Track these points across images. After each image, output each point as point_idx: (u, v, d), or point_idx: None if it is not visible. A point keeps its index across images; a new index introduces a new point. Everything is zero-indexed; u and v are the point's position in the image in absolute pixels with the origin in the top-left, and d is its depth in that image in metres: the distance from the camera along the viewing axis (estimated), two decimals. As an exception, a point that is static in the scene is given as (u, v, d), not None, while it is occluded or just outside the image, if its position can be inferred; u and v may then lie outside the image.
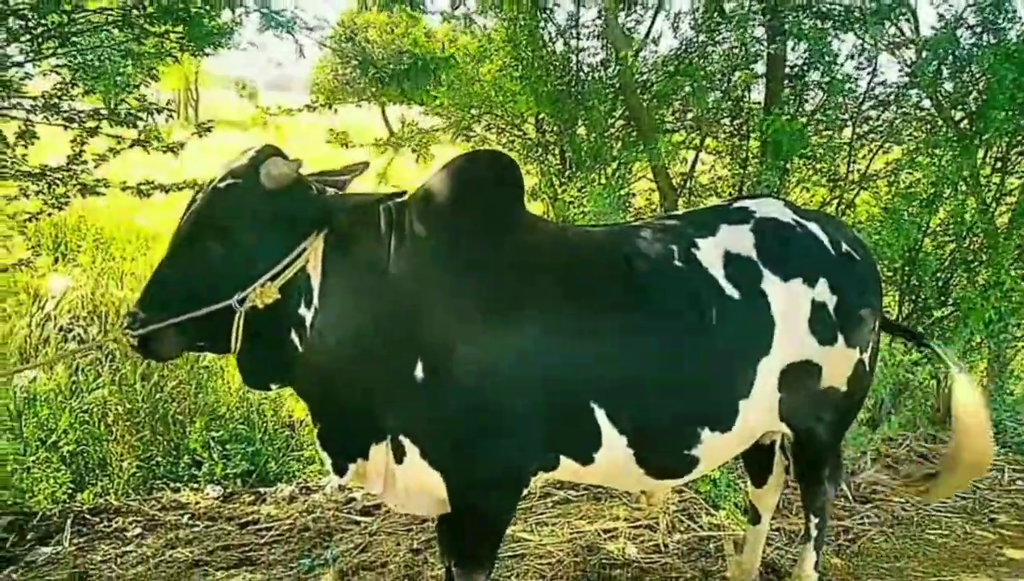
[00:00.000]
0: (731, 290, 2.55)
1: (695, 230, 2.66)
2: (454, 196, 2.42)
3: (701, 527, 3.75)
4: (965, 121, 4.88)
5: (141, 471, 5.25)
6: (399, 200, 2.43)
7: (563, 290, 2.44)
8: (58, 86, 4.27)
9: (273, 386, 2.47)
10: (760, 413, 2.63)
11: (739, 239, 2.64)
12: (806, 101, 4.96)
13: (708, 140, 5.31)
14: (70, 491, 4.91)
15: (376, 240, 2.35)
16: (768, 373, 2.58)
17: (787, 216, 2.74)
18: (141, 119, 4.51)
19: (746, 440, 2.73)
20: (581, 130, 5.09)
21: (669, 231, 2.66)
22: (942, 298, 4.87)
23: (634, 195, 5.02)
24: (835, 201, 4.97)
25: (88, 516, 4.52)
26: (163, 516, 4.63)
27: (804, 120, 4.72)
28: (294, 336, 2.31)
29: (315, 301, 2.30)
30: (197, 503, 4.75)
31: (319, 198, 2.31)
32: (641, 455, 2.49)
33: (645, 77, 5.19)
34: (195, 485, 5.10)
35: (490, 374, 2.34)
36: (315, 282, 2.29)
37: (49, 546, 4.17)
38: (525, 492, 4.23)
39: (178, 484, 5.11)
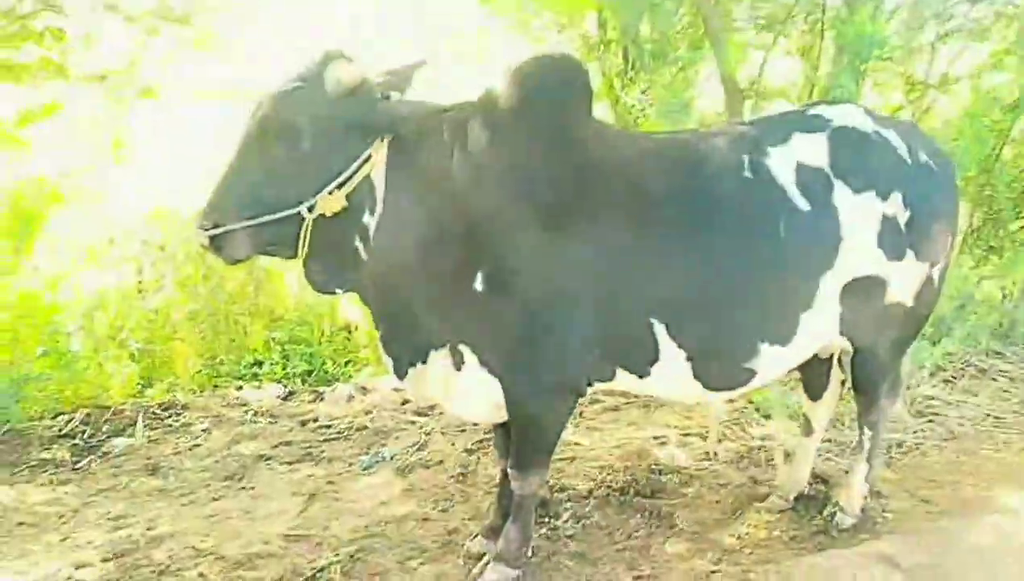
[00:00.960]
0: (800, 202, 2.47)
1: (768, 138, 2.56)
2: (518, 104, 2.36)
3: (752, 436, 3.77)
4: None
5: (206, 369, 5.45)
6: (463, 108, 2.38)
7: (626, 202, 2.39)
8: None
9: (338, 290, 2.51)
10: (820, 327, 2.59)
11: (813, 148, 2.54)
12: (883, -2, 4.64)
13: (781, 40, 5.04)
14: (140, 386, 5.13)
15: (439, 149, 2.32)
16: (830, 287, 2.53)
17: (867, 125, 2.61)
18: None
19: (805, 354, 2.70)
20: (645, 28, 4.87)
21: (740, 139, 2.57)
22: (1017, 210, 4.66)
23: (700, 98, 4.82)
24: (911, 106, 4.72)
25: (158, 411, 4.75)
26: (227, 412, 4.84)
27: (884, 19, 4.44)
28: (358, 243, 2.33)
29: (378, 209, 2.30)
30: (259, 401, 4.94)
31: (384, 104, 2.28)
32: (699, 369, 2.49)
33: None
34: (256, 384, 5.29)
35: (549, 286, 2.34)
36: (379, 190, 2.29)
37: (123, 438, 4.40)
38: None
39: (240, 383, 5.30)
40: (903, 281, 2.63)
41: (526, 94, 2.35)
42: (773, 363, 2.57)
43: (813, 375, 3.13)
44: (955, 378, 4.38)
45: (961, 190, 4.77)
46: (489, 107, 2.37)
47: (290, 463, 4.05)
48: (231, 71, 5.13)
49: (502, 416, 2.59)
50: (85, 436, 4.40)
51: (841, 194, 2.49)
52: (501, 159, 2.33)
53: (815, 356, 2.93)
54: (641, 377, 2.51)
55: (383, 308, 2.50)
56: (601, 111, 5.00)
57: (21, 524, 3.43)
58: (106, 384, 4.96)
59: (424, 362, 2.51)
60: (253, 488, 3.74)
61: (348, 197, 2.23)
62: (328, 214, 2.22)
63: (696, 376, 2.50)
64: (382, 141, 2.26)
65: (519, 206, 2.32)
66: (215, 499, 3.64)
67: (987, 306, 4.76)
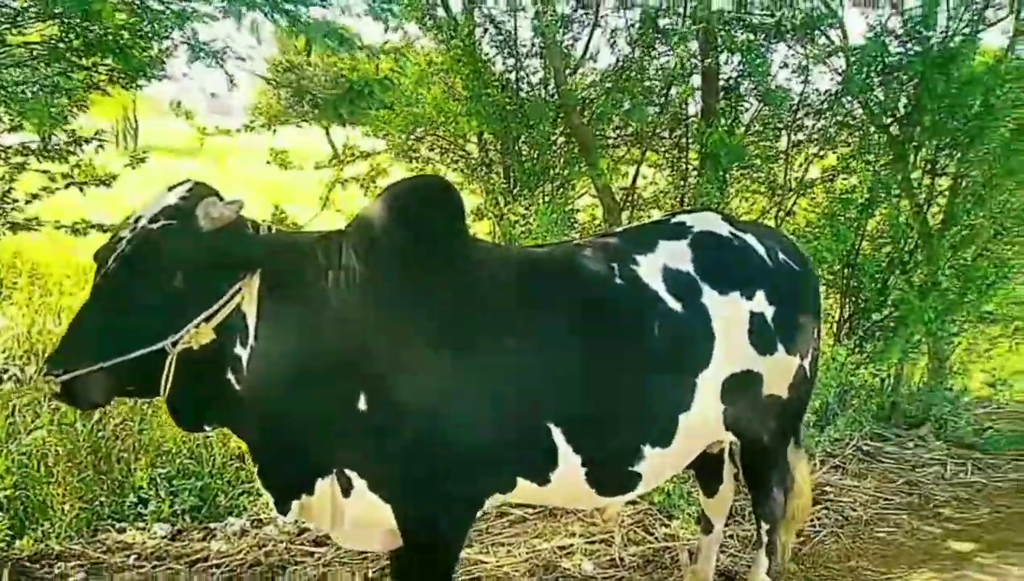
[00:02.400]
0: (672, 304, 2.57)
1: (634, 247, 2.67)
2: (391, 225, 2.39)
3: (656, 539, 3.77)
4: (895, 127, 5.03)
5: (84, 513, 5.05)
6: (337, 232, 2.41)
7: (509, 313, 2.43)
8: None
9: (207, 427, 2.42)
10: (702, 425, 2.65)
11: (677, 254, 2.67)
12: (742, 112, 5.05)
13: (649, 154, 5.37)
14: (8, 537, 4.70)
15: (314, 274, 2.31)
16: (709, 385, 2.61)
17: (724, 229, 2.78)
18: (72, 153, 4.39)
19: (689, 453, 2.75)
20: (524, 148, 5.11)
21: (608, 249, 2.67)
22: (881, 299, 4.99)
23: (579, 211, 5.05)
24: (774, 209, 5.07)
25: (28, 563, 4.36)
26: (108, 559, 4.48)
27: (741, 131, 4.81)
28: (230, 376, 2.26)
29: (251, 339, 2.25)
30: (144, 543, 4.60)
31: (255, 236, 2.27)
32: (591, 474, 2.49)
33: (584, 94, 5.24)
34: (141, 524, 4.94)
35: (436, 402, 2.31)
36: (251, 320, 2.25)
37: (-15, 598, 4.00)
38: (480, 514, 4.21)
39: (124, 524, 4.95)
40: (778, 373, 2.75)
41: (398, 215, 2.40)
42: (658, 466, 2.60)
43: (706, 471, 3.18)
44: (844, 463, 4.54)
45: (828, 284, 5.12)
46: (362, 228, 2.40)
47: (179, 611, 3.76)
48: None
49: (397, 542, 2.50)
50: (-62, 601, 3.98)
51: (709, 296, 2.61)
52: (376, 279, 2.34)
53: (705, 452, 2.99)
54: (541, 484, 2.49)
55: (261, 441, 2.41)
56: (487, 228, 5.16)
57: None
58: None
59: (310, 493, 2.41)
60: (133, 644, 3.44)
61: (217, 330, 2.18)
62: (196, 347, 2.15)
63: (589, 481, 2.50)
64: (254, 272, 2.24)
65: (398, 324, 2.32)
66: (90, 660, 3.32)
67: (866, 392, 5.01)
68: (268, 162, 5.15)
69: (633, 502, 4.07)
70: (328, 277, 2.31)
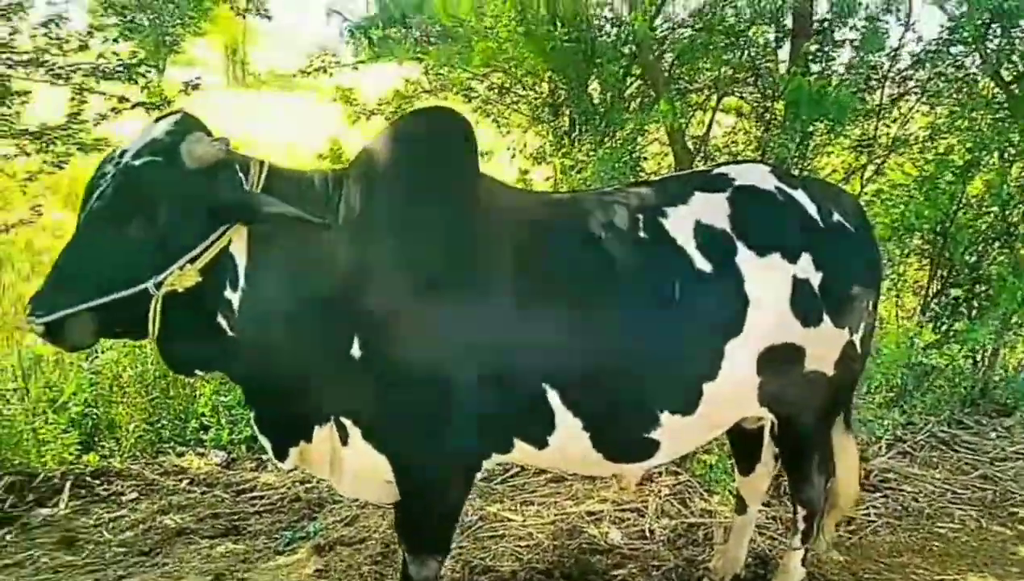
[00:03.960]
0: (700, 264, 2.34)
1: (665, 198, 2.44)
2: (394, 159, 2.25)
3: (692, 513, 3.57)
4: (1014, 83, 4.48)
5: (148, 434, 5.26)
6: (339, 170, 2.28)
7: (513, 261, 2.27)
8: (53, 39, 4.21)
9: (199, 371, 2.38)
10: (733, 397, 2.43)
11: (713, 208, 2.42)
12: (834, 59, 4.60)
13: (732, 102, 5.00)
14: (78, 452, 4.94)
15: (309, 212, 2.20)
16: (741, 355, 2.37)
17: (769, 183, 2.50)
18: (142, 75, 4.42)
19: (718, 425, 2.54)
20: (592, 90, 4.84)
21: (637, 199, 2.45)
22: (974, 274, 4.52)
23: (646, 159, 4.75)
24: (862, 168, 4.63)
25: (89, 478, 4.57)
26: (162, 480, 4.65)
27: (829, 80, 4.38)
28: (221, 320, 2.19)
29: (242, 283, 2.17)
30: (199, 468, 4.76)
31: (242, 183, 2.16)
32: (597, 438, 2.33)
33: (663, 34, 4.90)
34: (201, 450, 5.10)
35: (430, 351, 2.19)
36: (241, 263, 2.16)
37: (47, 508, 4.21)
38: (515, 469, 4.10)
39: (184, 448, 5.12)
40: (822, 348, 2.48)
41: (402, 148, 2.25)
42: (678, 434, 2.40)
43: (743, 448, 2.96)
44: (914, 450, 4.17)
45: (919, 252, 4.67)
46: (365, 164, 2.27)
47: (212, 537, 3.86)
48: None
49: (396, 495, 2.42)
50: (7, 506, 4.21)
51: (745, 256, 2.36)
52: (375, 219, 2.21)
53: (742, 429, 2.77)
54: (540, 448, 2.35)
55: (256, 386, 2.35)
56: (545, 173, 4.95)
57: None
58: (40, 450, 4.79)
59: (308, 440, 2.35)
60: (165, 565, 3.54)
61: (204, 272, 2.10)
62: (180, 290, 2.08)
63: (596, 446, 2.34)
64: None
65: (393, 266, 2.20)
66: (122, 577, 3.44)
67: (952, 374, 4.57)
68: (333, 100, 5.08)
69: (673, 471, 3.87)
70: (326, 216, 2.19)
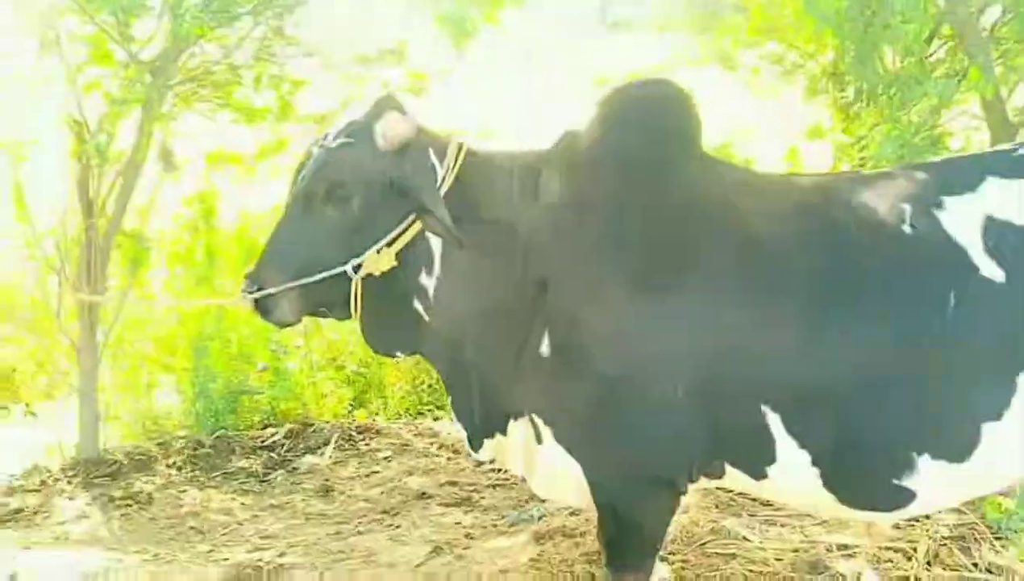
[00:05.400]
0: (988, 270, 1.83)
1: (945, 185, 1.94)
2: (605, 141, 2.04)
3: (975, 565, 2.93)
4: None
5: (412, 395, 5.60)
6: (538, 153, 2.12)
7: (738, 257, 1.95)
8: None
9: (400, 353, 2.37)
10: (1024, 443, 1.88)
11: (1012, 200, 1.87)
12: None
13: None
14: (350, 407, 5.39)
15: (506, 199, 2.07)
16: None
17: (1097, 167, 1.88)
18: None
19: (1004, 477, 2.00)
20: (883, 56, 4.14)
21: (906, 184, 1.98)
22: None
23: (950, 135, 3.97)
24: None
25: (353, 433, 4.96)
26: (416, 442, 4.91)
27: None
28: (418, 305, 2.18)
29: (437, 269, 2.12)
30: (450, 433, 4.94)
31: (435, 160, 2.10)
32: (829, 477, 1.93)
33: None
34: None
35: (630, 355, 1.97)
36: (436, 248, 2.11)
37: (315, 456, 4.64)
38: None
39: (440, 413, 5.37)
40: None
41: (612, 129, 2.01)
42: (943, 485, 1.91)
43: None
44: None
45: None
46: (569, 148, 2.07)
47: (447, 505, 3.97)
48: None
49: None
50: (283, 450, 4.70)
51: (1051, 264, 1.80)
52: (578, 204, 2.01)
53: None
54: (757, 479, 2.01)
55: (452, 373, 2.29)
56: (824, 149, 4.36)
57: (192, 528, 3.71)
58: (318, 403, 5.29)
59: (503, 432, 2.25)
60: (398, 528, 3.70)
61: (400, 256, 2.08)
62: (377, 274, 2.07)
63: (827, 486, 1.94)
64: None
65: (594, 259, 1.99)
66: (359, 533, 3.65)
67: None
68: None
69: (957, 509, 3.22)
70: (524, 201, 2.04)
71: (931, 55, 4.21)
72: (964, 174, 1.97)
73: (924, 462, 1.86)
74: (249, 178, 5.03)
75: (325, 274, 2.08)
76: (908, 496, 1.92)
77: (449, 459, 4.63)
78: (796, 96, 4.50)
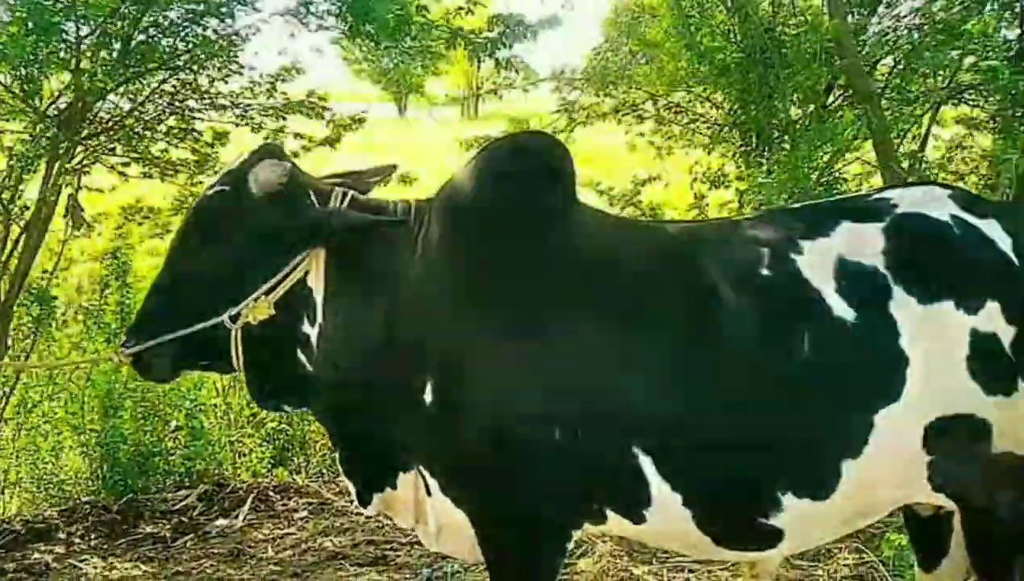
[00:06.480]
0: (841, 311, 1.88)
1: (803, 229, 2.01)
2: (480, 189, 2.06)
3: (873, 604, 2.96)
4: None
5: (333, 453, 5.47)
6: (421, 201, 2.14)
7: (605, 305, 1.97)
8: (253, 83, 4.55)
9: (287, 407, 2.33)
10: (888, 479, 1.94)
11: (863, 242, 1.94)
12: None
13: (954, 113, 4.25)
14: (270, 466, 5.25)
15: (387, 248, 2.08)
16: (900, 427, 1.88)
17: (943, 210, 1.96)
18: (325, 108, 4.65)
19: (867, 512, 2.05)
20: (787, 103, 4.33)
21: (767, 229, 2.04)
22: None
23: (847, 179, 4.13)
24: None
25: (271, 493, 4.81)
26: (335, 501, 4.78)
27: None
28: (301, 355, 2.14)
29: (319, 317, 2.09)
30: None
31: (314, 207, 2.09)
32: (702, 519, 1.94)
33: (871, 37, 4.29)
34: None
35: (507, 400, 1.96)
36: (318, 297, 2.09)
37: (228, 519, 4.48)
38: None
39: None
40: (1016, 424, 1.90)
41: (491, 178, 2.06)
42: (809, 523, 1.94)
43: (922, 537, 2.37)
44: None
45: None
46: (448, 197, 2.09)
47: (361, 565, 3.88)
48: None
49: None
50: (196, 514, 4.53)
51: (903, 303, 1.86)
52: (457, 254, 2.03)
53: (918, 516, 2.23)
54: (636, 523, 2.01)
55: (338, 428, 2.25)
56: (724, 197, 4.50)
57: (89, 601, 3.54)
58: (236, 462, 5.14)
59: (393, 486, 2.20)
60: (307, 591, 3.58)
61: (280, 305, 2.05)
62: (255, 323, 2.04)
63: (700, 528, 1.95)
64: (319, 246, 2.06)
65: (471, 306, 2.01)
66: (266, 597, 3.53)
67: None
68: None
69: (857, 548, 3.27)
70: (404, 250, 2.05)
71: (827, 105, 4.40)
72: (821, 218, 2.04)
73: (788, 500, 1.89)
74: (165, 232, 4.95)
75: (199, 326, 2.04)
76: (776, 535, 1.94)
77: (369, 517, 4.52)
78: (700, 144, 4.65)
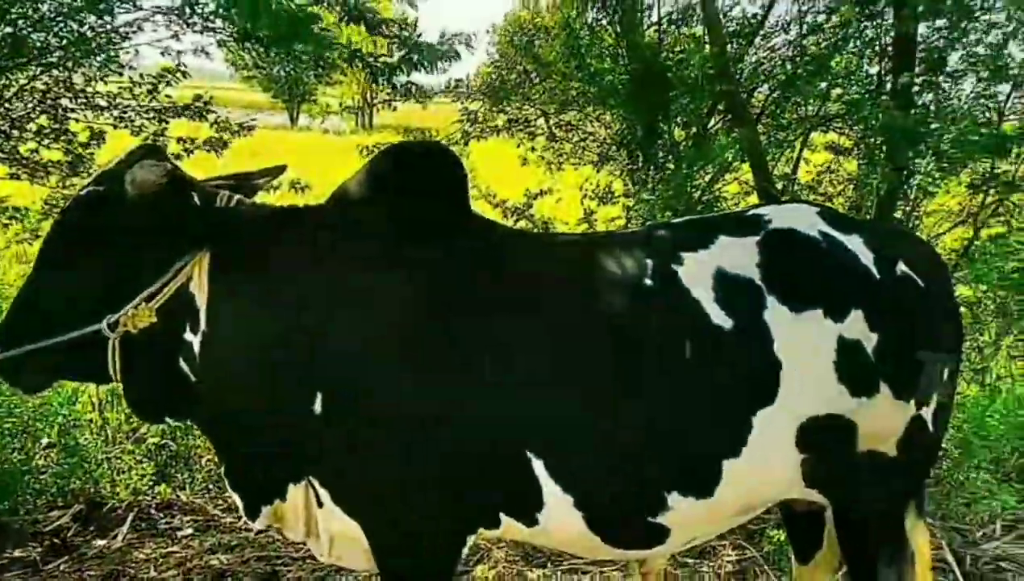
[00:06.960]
0: (719, 319, 2.01)
1: (683, 242, 2.13)
2: (370, 196, 2.07)
3: (754, 598, 3.14)
4: None
5: (219, 468, 5.29)
6: (309, 208, 2.13)
7: (493, 311, 2.03)
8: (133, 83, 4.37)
9: (169, 419, 2.25)
10: (765, 477, 2.07)
11: (739, 255, 2.08)
12: (943, 90, 4.10)
13: (824, 138, 4.57)
14: (152, 483, 5.01)
15: (275, 254, 2.05)
16: (776, 427, 2.02)
17: (814, 227, 2.13)
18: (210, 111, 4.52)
19: (747, 509, 2.17)
20: (674, 125, 4.54)
21: (652, 242, 2.15)
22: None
23: (725, 199, 4.37)
24: (978, 209, 4.08)
25: (153, 511, 4.61)
26: (222, 517, 4.62)
27: (928, 110, 3.90)
28: (183, 365, 2.07)
29: (202, 325, 2.04)
30: (260, 506, 4.70)
31: (202, 209, 2.04)
32: (592, 519, 2.02)
33: (749, 66, 4.55)
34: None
35: (396, 407, 1.98)
36: (201, 304, 2.04)
37: (106, 539, 4.26)
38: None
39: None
40: (879, 423, 2.08)
41: (380, 185, 2.07)
42: (693, 520, 2.06)
43: (797, 531, 2.55)
44: (1036, 536, 3.54)
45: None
46: (337, 203, 2.10)
47: (248, 582, 3.76)
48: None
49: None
50: (70, 535, 4.29)
51: (775, 312, 2.01)
52: (344, 262, 2.04)
53: (793, 510, 2.39)
54: (529, 525, 2.07)
55: (223, 438, 2.21)
56: (613, 212, 4.67)
57: (-52, 631, 3.29)
58: (114, 480, 4.89)
59: (283, 498, 2.17)
60: (193, 610, 3.45)
61: (161, 312, 1.99)
62: (135, 331, 1.97)
63: (591, 528, 2.03)
64: (201, 249, 2.01)
65: (360, 315, 2.01)
66: (149, 619, 3.38)
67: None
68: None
69: (740, 545, 3.45)
70: (290, 257, 2.03)
71: (708, 128, 4.64)
72: (700, 232, 2.17)
73: (673, 499, 1.99)
74: (34, 237, 4.67)
75: (75, 334, 1.95)
76: (663, 533, 2.05)
77: (258, 533, 4.40)
78: (590, 161, 4.80)
